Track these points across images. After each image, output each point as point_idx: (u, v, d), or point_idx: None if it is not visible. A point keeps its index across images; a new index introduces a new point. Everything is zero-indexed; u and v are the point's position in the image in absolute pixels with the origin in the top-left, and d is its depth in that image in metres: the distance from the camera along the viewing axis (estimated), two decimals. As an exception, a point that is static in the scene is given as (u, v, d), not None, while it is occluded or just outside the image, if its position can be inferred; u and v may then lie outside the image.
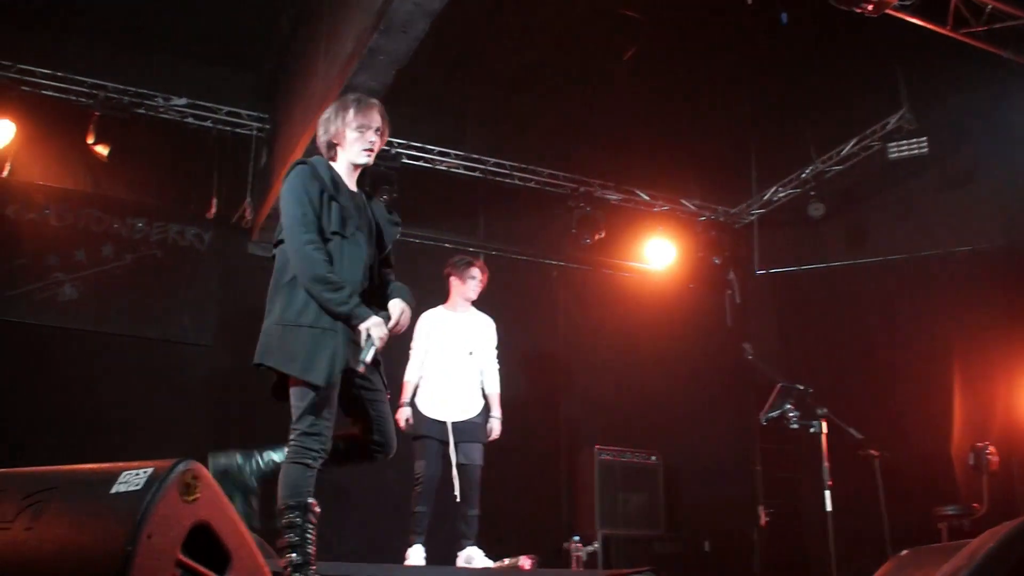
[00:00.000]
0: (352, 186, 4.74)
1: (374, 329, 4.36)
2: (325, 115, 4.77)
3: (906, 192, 10.68)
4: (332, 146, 4.72)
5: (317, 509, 4.29)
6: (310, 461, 4.31)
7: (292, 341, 4.36)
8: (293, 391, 4.39)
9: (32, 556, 2.98)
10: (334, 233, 4.48)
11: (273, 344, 4.42)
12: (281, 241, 4.57)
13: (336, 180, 4.60)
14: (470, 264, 7.69)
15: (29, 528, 3.03)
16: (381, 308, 4.59)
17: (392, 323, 4.55)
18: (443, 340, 7.62)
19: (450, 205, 10.91)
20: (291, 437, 4.37)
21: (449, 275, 7.73)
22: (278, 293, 4.51)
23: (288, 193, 4.52)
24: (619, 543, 9.39)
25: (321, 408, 4.33)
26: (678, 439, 10.74)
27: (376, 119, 4.69)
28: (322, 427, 4.34)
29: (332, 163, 4.71)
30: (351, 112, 4.66)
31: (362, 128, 4.65)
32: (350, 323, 4.37)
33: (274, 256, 4.66)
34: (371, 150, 4.69)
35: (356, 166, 4.74)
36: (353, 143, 4.66)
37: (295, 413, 4.36)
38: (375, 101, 4.79)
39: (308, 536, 4.24)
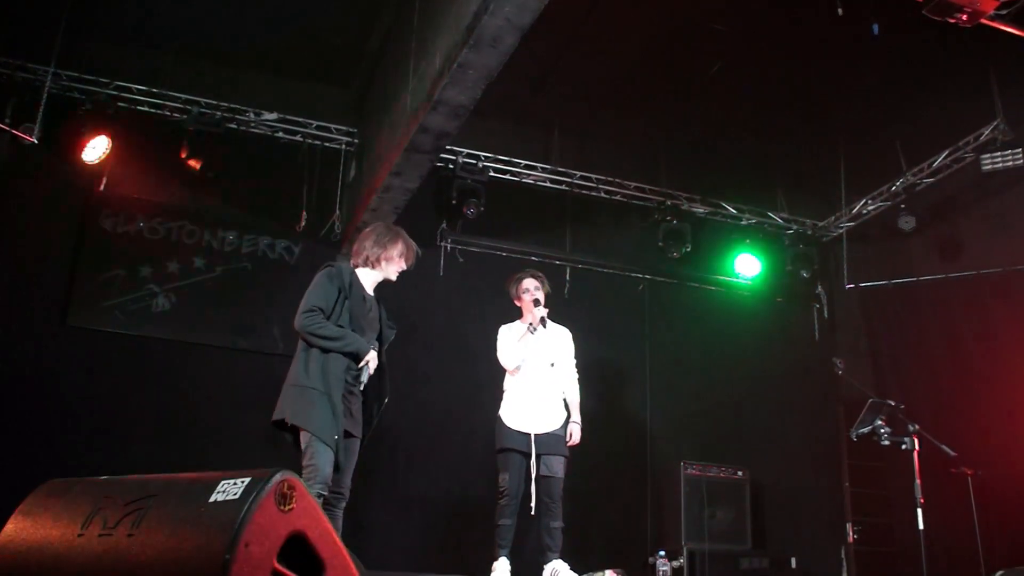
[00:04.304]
0: (370, 290, 5.89)
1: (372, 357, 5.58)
2: (377, 235, 5.94)
3: (1000, 204, 10.39)
4: (375, 260, 5.87)
5: None
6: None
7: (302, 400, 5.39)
8: (302, 436, 5.34)
9: (133, 562, 3.04)
10: (339, 326, 5.49)
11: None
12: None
13: (353, 284, 5.67)
14: (521, 279, 7.57)
15: (130, 534, 3.09)
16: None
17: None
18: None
19: (537, 218, 10.96)
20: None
21: (511, 295, 7.65)
22: (296, 359, 5.53)
23: (314, 286, 5.60)
24: (704, 558, 9.31)
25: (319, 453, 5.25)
26: (765, 454, 10.66)
27: (412, 261, 6.02)
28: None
29: (357, 269, 5.85)
30: (399, 247, 5.91)
31: (403, 260, 5.93)
32: (357, 357, 5.51)
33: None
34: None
35: (386, 280, 5.95)
36: (392, 267, 5.92)
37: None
38: (414, 244, 6.05)
39: None
